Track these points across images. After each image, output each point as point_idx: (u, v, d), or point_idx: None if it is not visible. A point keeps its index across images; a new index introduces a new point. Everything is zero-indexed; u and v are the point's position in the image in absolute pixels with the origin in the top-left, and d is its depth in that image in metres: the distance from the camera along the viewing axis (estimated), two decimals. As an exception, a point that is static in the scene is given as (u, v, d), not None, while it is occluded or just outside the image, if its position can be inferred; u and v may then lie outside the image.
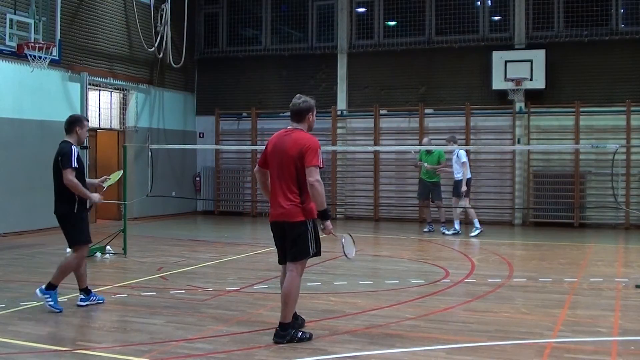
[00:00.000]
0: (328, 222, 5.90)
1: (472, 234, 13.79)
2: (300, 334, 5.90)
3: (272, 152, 5.99)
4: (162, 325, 6.54)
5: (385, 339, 6.12)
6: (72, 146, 7.16)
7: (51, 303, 7.04)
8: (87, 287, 7.39)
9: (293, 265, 5.88)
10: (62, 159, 7.07)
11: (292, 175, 5.83)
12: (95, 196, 7.43)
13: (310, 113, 6.04)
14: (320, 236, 6.02)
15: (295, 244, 5.86)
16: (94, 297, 7.42)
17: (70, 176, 7.01)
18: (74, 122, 7.30)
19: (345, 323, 6.64)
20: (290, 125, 6.06)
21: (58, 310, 7.01)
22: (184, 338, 6.12)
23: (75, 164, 7.05)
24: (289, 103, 6.17)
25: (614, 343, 6.04)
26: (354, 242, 6.33)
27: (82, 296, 7.32)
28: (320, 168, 5.81)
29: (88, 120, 7.62)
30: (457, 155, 13.83)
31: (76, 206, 7.16)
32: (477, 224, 13.98)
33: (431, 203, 14.85)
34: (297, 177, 5.82)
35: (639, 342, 6.03)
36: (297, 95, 6.14)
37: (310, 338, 5.91)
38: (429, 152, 14.33)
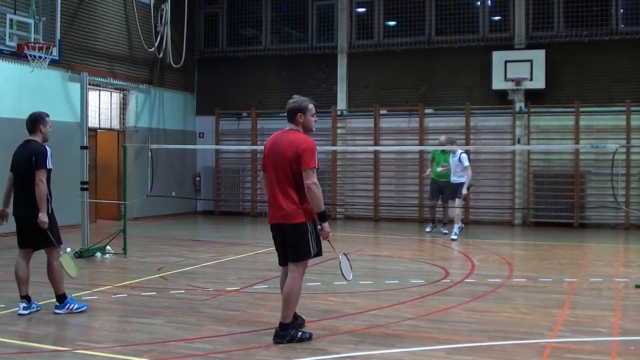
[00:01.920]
0: (326, 224, 5.87)
1: (452, 237, 13.11)
2: (300, 334, 5.90)
3: (269, 153, 5.98)
4: (162, 325, 6.54)
5: (385, 339, 6.11)
6: (47, 147, 6.91)
7: (75, 307, 6.96)
8: (63, 292, 7.06)
9: (295, 266, 5.88)
10: (36, 158, 6.76)
11: (288, 177, 5.80)
12: (44, 218, 6.77)
13: (300, 114, 5.94)
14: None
15: (297, 245, 5.85)
16: (72, 305, 7.03)
17: (43, 178, 6.71)
18: (37, 120, 6.99)
19: (345, 323, 6.64)
20: (288, 125, 6.04)
21: (85, 307, 7.02)
22: (184, 338, 6.12)
23: (50, 166, 6.82)
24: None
25: (614, 343, 6.04)
26: (350, 263, 6.32)
27: (57, 303, 7.02)
28: (316, 169, 5.80)
29: (49, 116, 7.18)
30: (460, 159, 13.25)
31: (50, 206, 6.91)
32: (457, 230, 13.33)
33: (439, 202, 14.55)
34: (294, 178, 5.79)
35: (639, 342, 6.03)
36: (293, 95, 6.10)
37: (310, 338, 5.91)
38: (443, 151, 13.89)
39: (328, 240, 5.97)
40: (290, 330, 5.84)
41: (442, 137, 14.37)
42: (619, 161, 15.37)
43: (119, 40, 16.93)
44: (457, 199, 13.37)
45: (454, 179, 13.53)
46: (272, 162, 5.92)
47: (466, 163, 13.20)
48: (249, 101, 19.09)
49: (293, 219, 5.80)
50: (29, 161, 6.82)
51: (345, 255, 6.35)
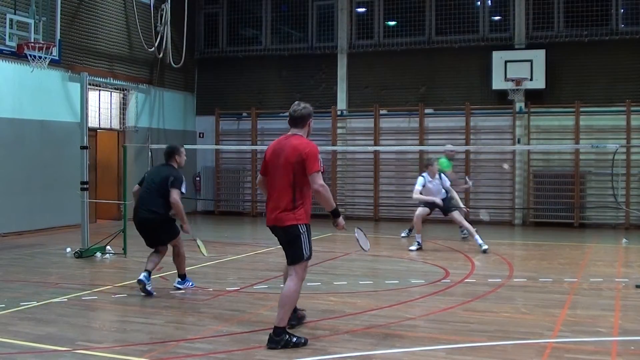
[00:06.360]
0: (340, 219, 6.04)
1: (412, 248, 11.99)
2: (295, 339, 5.79)
3: (271, 158, 6.04)
4: (162, 325, 6.54)
5: (385, 339, 6.11)
6: (182, 175, 8.08)
7: (191, 284, 8.32)
8: (184, 273, 8.34)
9: (292, 269, 5.92)
10: (174, 180, 7.91)
11: (288, 180, 5.86)
12: (188, 227, 8.26)
13: (311, 119, 6.12)
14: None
15: (289, 247, 5.94)
16: (189, 283, 8.33)
17: (177, 197, 7.86)
18: (172, 153, 8.23)
19: (345, 323, 6.64)
20: (290, 131, 6.10)
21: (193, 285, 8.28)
22: (184, 338, 6.12)
23: (184, 190, 7.98)
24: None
25: (614, 343, 6.04)
26: (365, 234, 6.54)
27: (179, 279, 8.33)
28: (322, 172, 5.89)
29: (183, 146, 8.45)
30: (442, 179, 12.19)
31: (171, 212, 8.09)
32: (419, 238, 12.09)
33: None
34: (293, 182, 5.86)
35: (639, 342, 6.03)
36: (296, 102, 6.20)
37: (305, 343, 5.81)
38: (450, 158, 13.46)
39: (344, 228, 6.13)
40: (284, 335, 5.76)
41: (449, 146, 13.89)
42: (619, 161, 15.38)
43: (119, 40, 16.92)
44: (455, 211, 12.26)
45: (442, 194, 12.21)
46: (273, 165, 5.99)
47: (448, 183, 12.30)
48: (249, 101, 19.09)
49: (284, 221, 5.88)
50: (165, 179, 7.97)
51: (360, 229, 6.50)
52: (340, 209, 6.19)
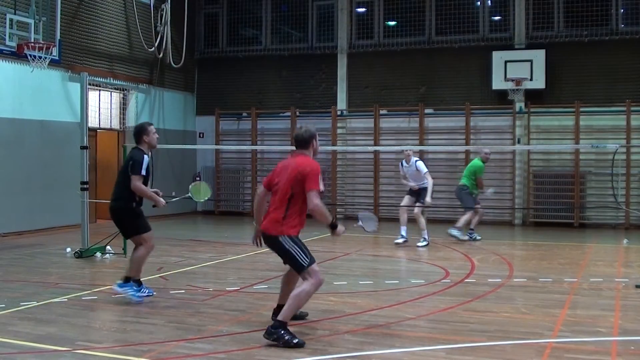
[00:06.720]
0: (338, 229, 6.17)
1: (420, 244, 12.40)
2: (287, 337, 5.74)
3: (279, 173, 6.22)
4: (162, 325, 6.54)
5: (385, 339, 6.12)
6: (145, 155, 7.58)
7: (131, 293, 7.45)
8: (132, 277, 7.63)
9: (300, 276, 6.04)
10: (132, 164, 7.50)
11: (286, 194, 6.04)
12: (162, 201, 7.87)
13: (314, 140, 6.29)
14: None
15: (284, 259, 6.12)
16: (129, 290, 7.57)
17: (137, 182, 7.49)
18: (140, 132, 7.70)
19: (345, 323, 6.64)
20: (297, 151, 6.28)
21: (140, 300, 7.44)
22: (184, 338, 6.12)
23: (143, 172, 7.52)
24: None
25: (614, 343, 6.04)
26: (368, 216, 6.81)
27: (121, 281, 7.65)
28: (320, 192, 6.01)
29: (152, 124, 7.95)
30: (417, 167, 12.35)
31: (134, 204, 7.67)
32: (404, 232, 12.57)
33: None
34: (290, 196, 6.03)
35: (639, 342, 6.03)
36: (299, 126, 6.49)
37: (297, 345, 5.72)
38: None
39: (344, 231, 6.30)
40: (279, 330, 5.76)
41: (485, 148, 13.75)
42: (619, 161, 15.38)
43: (119, 40, 16.92)
44: (419, 204, 12.47)
45: (418, 184, 12.51)
46: (279, 178, 6.16)
47: (425, 170, 12.34)
48: (249, 101, 19.09)
49: (269, 230, 6.08)
50: (126, 165, 7.61)
51: (368, 212, 6.85)
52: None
